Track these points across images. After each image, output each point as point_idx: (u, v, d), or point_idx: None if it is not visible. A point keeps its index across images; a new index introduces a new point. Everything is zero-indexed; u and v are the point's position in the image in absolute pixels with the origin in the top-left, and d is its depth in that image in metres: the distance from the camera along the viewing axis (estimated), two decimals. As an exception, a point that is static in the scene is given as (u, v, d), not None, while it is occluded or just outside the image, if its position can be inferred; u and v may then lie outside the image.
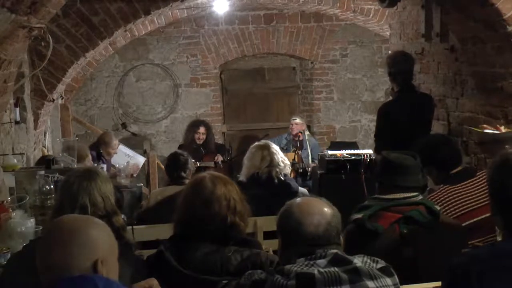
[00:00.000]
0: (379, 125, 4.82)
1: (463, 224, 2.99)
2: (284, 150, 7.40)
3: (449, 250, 2.64)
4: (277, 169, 4.31)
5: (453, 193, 3.22)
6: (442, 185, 3.31)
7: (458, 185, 3.24)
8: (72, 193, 2.53)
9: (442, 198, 3.22)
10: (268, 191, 4.15)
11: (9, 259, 2.66)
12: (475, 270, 1.79)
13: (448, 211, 3.19)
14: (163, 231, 3.34)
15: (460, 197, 3.19)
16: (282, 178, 4.31)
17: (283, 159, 4.43)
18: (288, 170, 4.49)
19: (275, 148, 4.47)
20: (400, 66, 4.71)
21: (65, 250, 1.66)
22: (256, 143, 4.63)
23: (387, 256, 2.17)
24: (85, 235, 1.69)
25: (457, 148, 3.68)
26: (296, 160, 7.43)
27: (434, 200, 3.27)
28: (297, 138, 7.63)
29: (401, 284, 2.10)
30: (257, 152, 4.39)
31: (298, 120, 7.78)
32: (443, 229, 2.72)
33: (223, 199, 2.42)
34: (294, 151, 7.51)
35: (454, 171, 3.39)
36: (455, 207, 3.19)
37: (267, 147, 4.41)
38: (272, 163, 4.31)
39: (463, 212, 3.14)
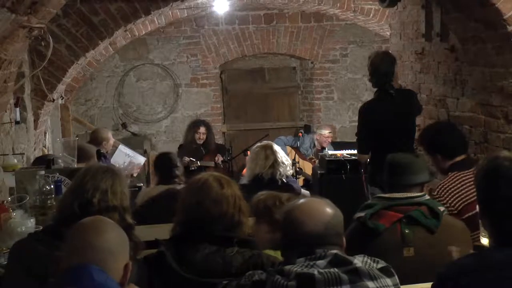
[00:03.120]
0: (359, 124, 4.84)
1: (474, 212, 2.97)
2: (302, 152, 7.38)
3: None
4: (280, 169, 4.36)
5: (463, 179, 3.24)
6: (450, 173, 3.34)
7: (466, 171, 3.25)
8: (83, 183, 2.50)
9: (452, 185, 3.25)
10: None
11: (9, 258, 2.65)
12: (465, 284, 1.77)
13: (459, 198, 3.20)
14: (163, 231, 3.33)
15: (470, 183, 3.19)
16: (285, 180, 4.35)
17: (286, 159, 4.49)
18: (290, 170, 4.53)
19: (277, 148, 4.53)
20: (376, 67, 4.73)
21: (110, 250, 1.72)
22: (258, 144, 4.68)
23: (388, 255, 2.17)
24: (123, 236, 1.78)
25: (462, 135, 3.74)
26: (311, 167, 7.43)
27: (444, 187, 3.28)
28: (320, 148, 7.62)
29: (401, 284, 2.10)
30: (260, 152, 4.46)
31: (329, 133, 7.70)
32: (445, 230, 2.72)
33: (231, 198, 2.42)
34: (311, 159, 7.50)
35: (459, 158, 3.41)
36: (467, 193, 3.18)
37: (269, 147, 4.49)
38: (276, 162, 4.37)
39: (473, 199, 3.10)
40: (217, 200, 2.40)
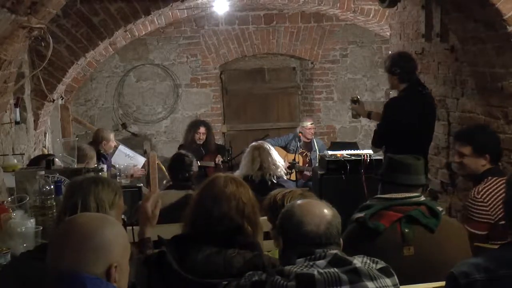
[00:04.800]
0: (382, 118, 4.75)
1: None
2: (292, 151, 7.38)
3: (450, 251, 2.65)
4: (270, 172, 4.37)
5: (503, 185, 3.23)
6: (490, 177, 3.37)
7: (503, 178, 3.26)
8: (70, 196, 2.52)
9: (496, 190, 3.26)
10: (261, 195, 4.16)
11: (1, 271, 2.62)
12: (480, 281, 1.75)
13: (500, 204, 3.20)
14: (164, 231, 3.34)
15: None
16: (275, 181, 4.35)
17: (275, 161, 4.46)
18: (281, 172, 4.51)
19: (269, 149, 4.49)
20: (410, 64, 4.71)
21: (78, 255, 1.60)
22: (253, 143, 4.68)
23: (388, 254, 2.17)
24: (100, 238, 1.62)
25: None
26: (302, 163, 7.42)
27: (488, 191, 3.29)
28: (308, 141, 7.62)
29: (401, 284, 2.10)
30: (249, 153, 4.48)
31: (311, 124, 7.70)
32: (444, 229, 2.73)
33: (232, 198, 2.39)
34: (303, 154, 7.50)
35: (494, 165, 3.46)
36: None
37: (258, 148, 4.47)
38: (262, 165, 4.36)
39: None
40: (216, 198, 2.39)
